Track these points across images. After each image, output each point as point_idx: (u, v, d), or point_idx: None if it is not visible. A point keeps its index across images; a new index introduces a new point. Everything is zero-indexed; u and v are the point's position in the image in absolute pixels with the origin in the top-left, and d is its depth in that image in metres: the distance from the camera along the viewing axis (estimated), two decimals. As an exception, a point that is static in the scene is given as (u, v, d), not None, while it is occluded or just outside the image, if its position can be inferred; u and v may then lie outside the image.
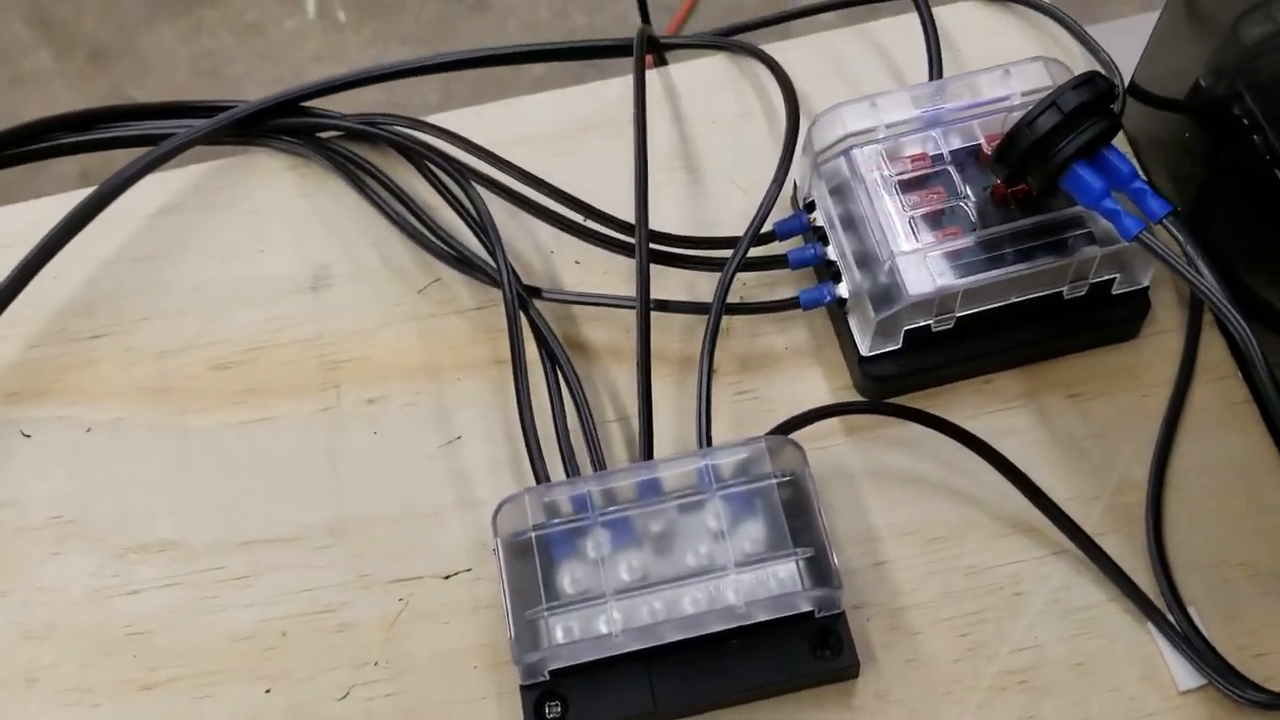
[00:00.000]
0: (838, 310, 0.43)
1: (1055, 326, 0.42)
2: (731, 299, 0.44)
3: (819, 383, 0.43)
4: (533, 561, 0.37)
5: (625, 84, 0.48)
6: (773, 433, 0.40)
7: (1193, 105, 0.45)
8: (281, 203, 0.47)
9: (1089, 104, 0.38)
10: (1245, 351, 0.38)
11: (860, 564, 0.40)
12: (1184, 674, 0.38)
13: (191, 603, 0.40)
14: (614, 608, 0.36)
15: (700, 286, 0.45)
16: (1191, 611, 0.38)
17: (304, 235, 0.46)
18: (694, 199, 0.47)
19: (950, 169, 0.42)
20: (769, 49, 0.49)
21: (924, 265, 0.40)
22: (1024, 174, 0.39)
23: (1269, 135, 0.42)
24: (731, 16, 1.32)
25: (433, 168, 0.46)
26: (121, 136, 0.48)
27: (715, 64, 0.50)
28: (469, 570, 0.40)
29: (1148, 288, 0.42)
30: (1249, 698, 0.37)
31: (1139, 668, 0.38)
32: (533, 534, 0.37)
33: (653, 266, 0.43)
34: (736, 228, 0.44)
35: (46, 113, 0.47)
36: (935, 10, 0.49)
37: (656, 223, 0.45)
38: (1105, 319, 0.42)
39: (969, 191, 0.41)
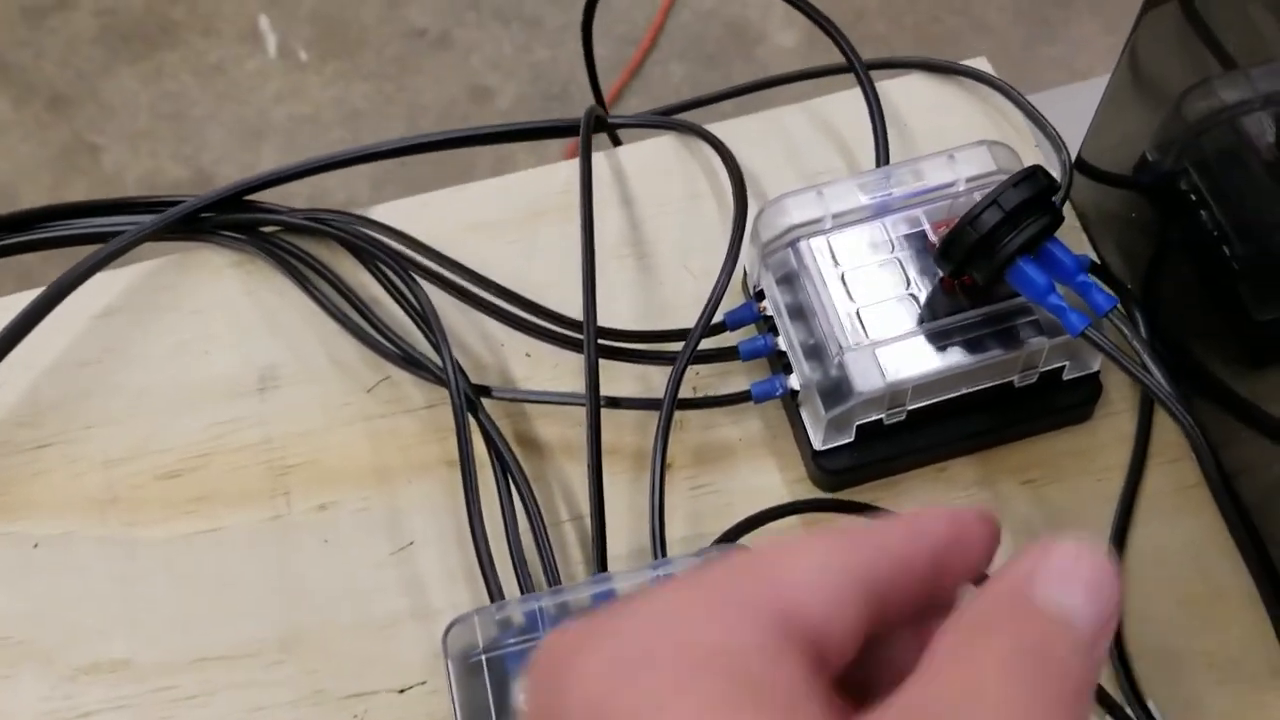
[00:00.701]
0: (791, 401, 0.43)
1: (1007, 414, 0.42)
2: (685, 391, 0.44)
3: (774, 475, 0.43)
4: (483, 682, 0.36)
5: (574, 167, 0.47)
6: (724, 537, 0.40)
7: (1140, 180, 0.45)
8: (226, 301, 0.47)
9: (1030, 200, 0.37)
10: (1193, 444, 0.38)
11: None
12: (1145, 769, 0.38)
13: (143, 725, 0.40)
14: (569, 725, 0.36)
15: (654, 378, 0.45)
16: (1151, 705, 0.38)
17: (249, 335, 0.46)
18: (645, 285, 0.47)
19: (898, 259, 0.42)
20: (717, 127, 0.49)
21: (873, 360, 0.40)
22: (968, 269, 0.39)
23: (1215, 211, 0.42)
24: (683, 89, 1.35)
25: (379, 263, 0.45)
26: (61, 236, 0.47)
27: (664, 144, 0.50)
28: (424, 683, 0.40)
29: (1098, 372, 0.42)
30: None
31: (1100, 763, 0.38)
32: (483, 656, 0.36)
33: (605, 361, 0.43)
34: (689, 314, 0.44)
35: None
36: (883, 84, 0.49)
37: (608, 310, 0.45)
38: (1057, 404, 0.42)
39: (917, 282, 0.41)
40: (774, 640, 0.20)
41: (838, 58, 0.48)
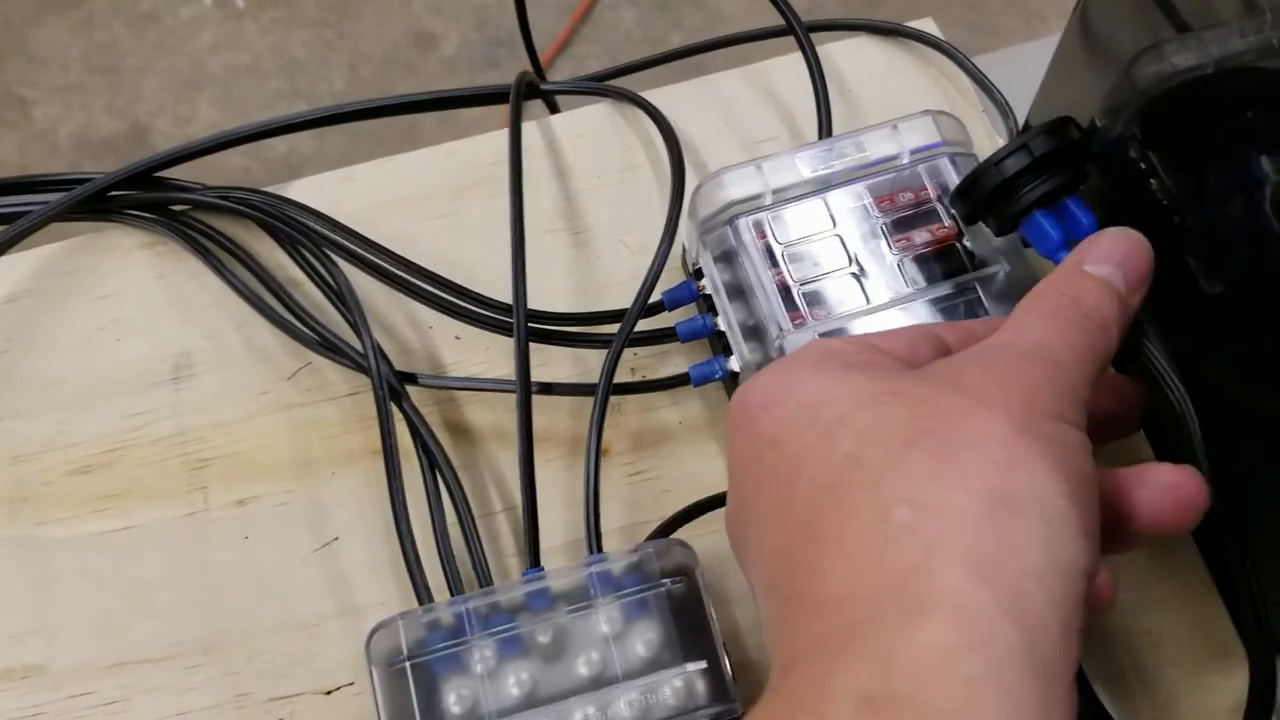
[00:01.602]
0: (731, 383, 0.41)
1: (953, 395, 0.41)
2: (624, 374, 0.42)
3: (715, 459, 0.42)
4: (408, 688, 0.35)
5: (503, 137, 0.45)
6: (659, 530, 0.38)
7: (1089, 147, 0.44)
8: (137, 285, 0.44)
9: (1059, 151, 0.36)
10: (1181, 416, 0.37)
11: (762, 654, 0.39)
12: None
13: (58, 734, 0.38)
14: (498, 731, 0.35)
15: (589, 361, 0.43)
16: (1095, 687, 0.38)
17: (162, 321, 0.44)
18: (581, 261, 0.45)
19: (840, 236, 0.40)
20: (656, 94, 0.47)
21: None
22: (984, 214, 0.38)
23: (1165, 180, 0.41)
24: (634, 34, 1.31)
25: (297, 244, 0.43)
26: (-39, 217, 0.45)
27: (599, 112, 0.47)
28: (351, 684, 0.39)
29: (1047, 351, 0.41)
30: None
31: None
32: (407, 662, 0.35)
33: (539, 345, 0.41)
34: (626, 290, 0.42)
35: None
36: (827, 47, 0.47)
37: (541, 288, 0.43)
38: (1004, 385, 0.41)
39: (859, 260, 0.40)
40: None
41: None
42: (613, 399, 0.42)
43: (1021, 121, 0.45)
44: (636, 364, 0.43)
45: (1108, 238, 0.33)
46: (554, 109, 0.50)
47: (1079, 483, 0.26)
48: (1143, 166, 0.41)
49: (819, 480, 0.27)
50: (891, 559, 0.25)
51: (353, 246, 0.42)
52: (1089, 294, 0.30)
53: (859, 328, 0.38)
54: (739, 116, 0.47)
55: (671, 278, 0.42)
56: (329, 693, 0.39)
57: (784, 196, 0.40)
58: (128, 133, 1.28)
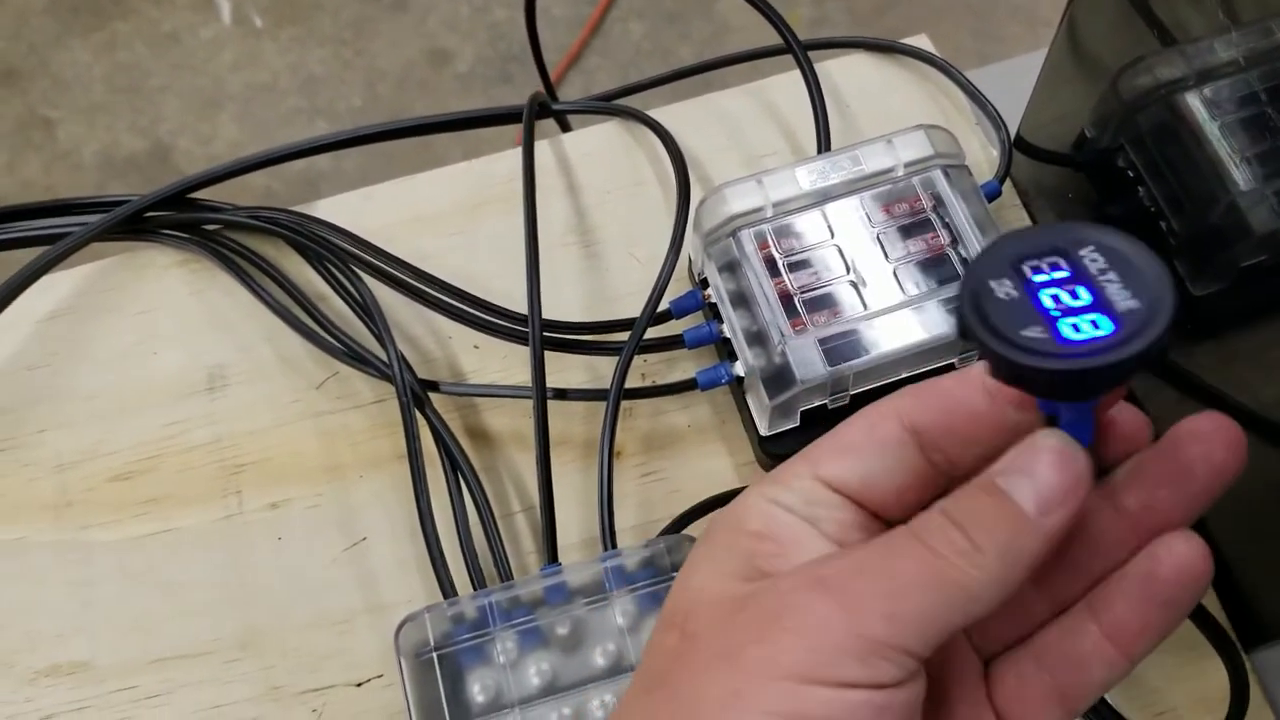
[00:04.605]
0: (737, 387, 0.43)
1: (949, 396, 0.42)
2: (634, 380, 0.44)
3: (723, 460, 0.44)
4: (435, 678, 0.37)
5: (517, 156, 0.47)
6: (670, 526, 0.40)
7: (1078, 157, 0.46)
8: (172, 301, 0.47)
9: None
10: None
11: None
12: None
13: (104, 726, 0.40)
14: (522, 717, 0.37)
15: (601, 367, 0.45)
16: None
17: (196, 334, 0.46)
18: (592, 273, 0.47)
19: (838, 246, 0.42)
20: (661, 112, 0.49)
21: (814, 348, 0.40)
22: None
23: (1151, 187, 0.43)
24: (644, 46, 1.34)
25: (324, 260, 0.45)
26: (4, 240, 0.47)
27: (609, 130, 0.50)
28: (380, 676, 0.41)
29: (1037, 353, 0.42)
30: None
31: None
32: (434, 653, 0.37)
33: (553, 353, 0.44)
34: (636, 301, 0.44)
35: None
36: (824, 64, 0.49)
37: (554, 299, 0.45)
38: (998, 385, 0.43)
39: (857, 268, 0.42)
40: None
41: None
42: (624, 403, 0.44)
43: (1014, 133, 0.47)
44: (647, 370, 0.45)
45: (1027, 450, 0.24)
46: (565, 127, 0.52)
47: None
48: (1130, 175, 0.43)
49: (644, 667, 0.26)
50: None
51: (376, 261, 0.44)
52: (991, 508, 0.23)
53: (857, 334, 0.40)
54: (742, 132, 0.49)
55: (679, 288, 0.45)
56: (360, 685, 0.41)
57: (784, 209, 0.42)
58: (151, 151, 1.31)
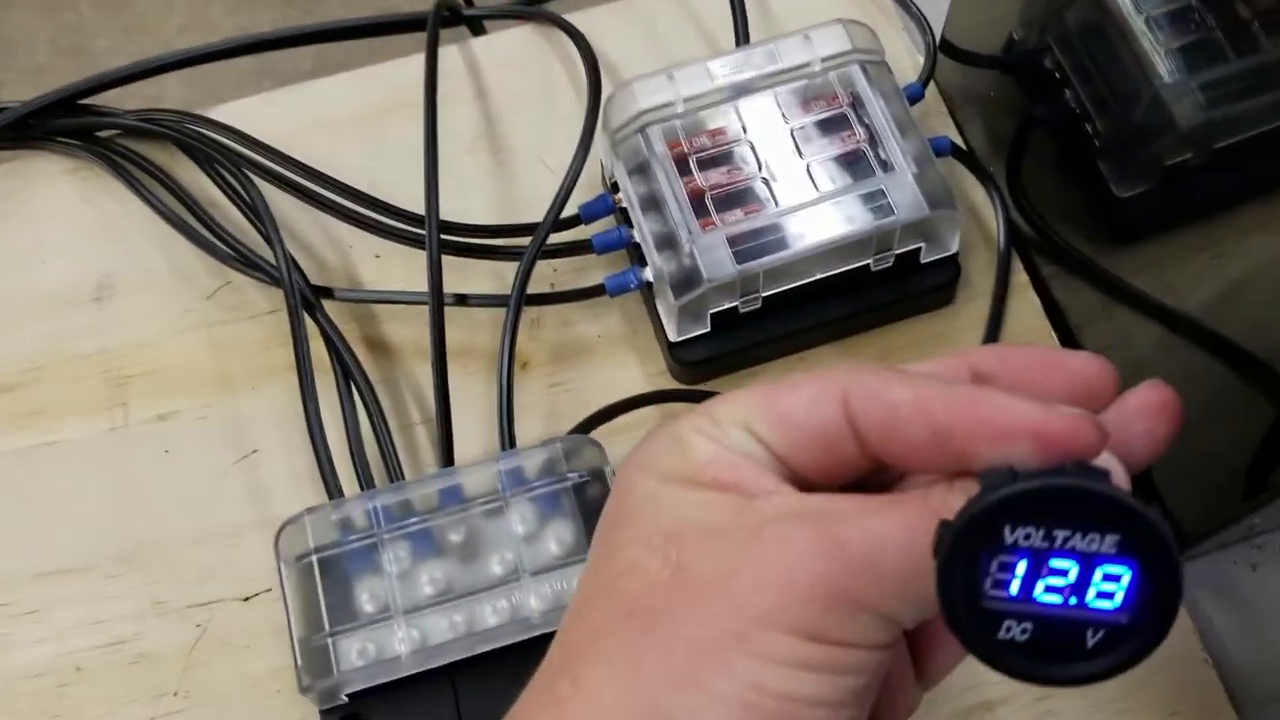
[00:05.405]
0: (649, 294, 0.42)
1: (866, 299, 0.41)
2: (541, 287, 0.43)
3: (633, 370, 0.42)
4: (315, 584, 0.35)
5: (423, 62, 0.45)
6: (577, 428, 0.38)
7: (1005, 59, 0.44)
8: (62, 209, 0.44)
9: None
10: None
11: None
12: None
13: (-22, 643, 0.38)
14: (408, 626, 0.35)
15: (509, 275, 0.43)
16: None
17: (86, 243, 0.44)
18: (502, 181, 0.45)
19: (751, 143, 0.40)
20: (578, 17, 0.47)
21: (723, 246, 0.38)
22: None
23: (1078, 88, 0.41)
24: None
25: (216, 165, 0.43)
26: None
27: (521, 35, 0.48)
28: (269, 590, 0.39)
29: (957, 254, 0.41)
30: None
31: None
32: (314, 556, 0.35)
33: (458, 259, 0.42)
34: (546, 209, 0.42)
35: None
36: (748, -33, 0.47)
37: (462, 207, 0.43)
38: (916, 288, 0.41)
39: (769, 166, 0.40)
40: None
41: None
42: (532, 313, 0.42)
43: (939, 35, 0.46)
44: (556, 279, 0.43)
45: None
46: (479, 33, 0.50)
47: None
48: (1056, 76, 0.42)
49: (586, 584, 0.25)
50: None
51: (267, 163, 0.42)
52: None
53: (767, 232, 0.39)
54: (661, 38, 0.47)
55: (589, 194, 0.43)
56: (247, 599, 0.39)
57: (696, 104, 0.41)
58: (96, 113, 1.28)
